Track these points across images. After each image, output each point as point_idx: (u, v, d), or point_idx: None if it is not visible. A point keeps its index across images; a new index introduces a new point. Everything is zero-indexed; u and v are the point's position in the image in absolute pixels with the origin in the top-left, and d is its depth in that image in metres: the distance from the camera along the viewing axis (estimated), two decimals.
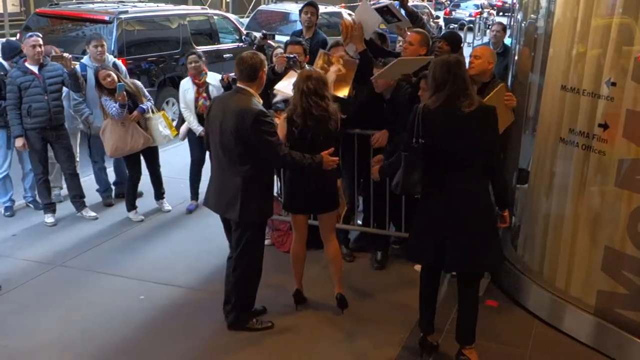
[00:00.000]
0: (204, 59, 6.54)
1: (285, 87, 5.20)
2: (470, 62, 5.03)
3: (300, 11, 6.97)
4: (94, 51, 6.53)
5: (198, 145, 6.51)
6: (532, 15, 5.17)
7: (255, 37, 7.42)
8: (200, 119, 6.33)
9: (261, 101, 4.19)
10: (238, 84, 4.17)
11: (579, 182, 4.36)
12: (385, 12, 5.53)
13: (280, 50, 6.21)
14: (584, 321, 4.36)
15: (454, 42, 5.75)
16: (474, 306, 4.05)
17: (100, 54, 6.52)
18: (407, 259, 4.94)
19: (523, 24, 5.39)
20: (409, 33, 5.49)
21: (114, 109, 6.04)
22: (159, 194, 6.79)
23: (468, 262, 3.87)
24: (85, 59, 6.67)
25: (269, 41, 6.98)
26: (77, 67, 6.30)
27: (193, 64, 6.40)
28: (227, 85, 5.81)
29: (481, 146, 3.79)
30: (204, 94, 6.40)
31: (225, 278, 4.53)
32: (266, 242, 5.81)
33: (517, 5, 5.76)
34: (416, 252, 4.12)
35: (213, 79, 6.48)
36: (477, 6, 32.30)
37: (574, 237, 4.46)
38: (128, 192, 6.58)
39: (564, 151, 4.45)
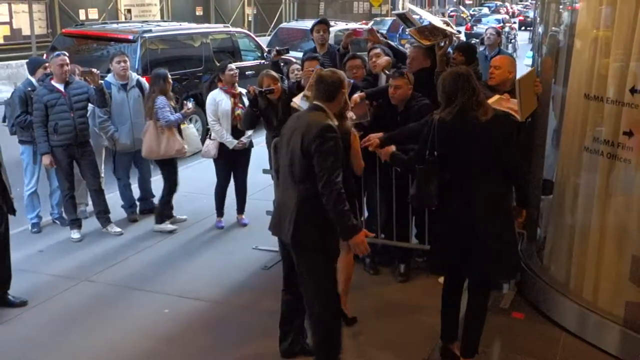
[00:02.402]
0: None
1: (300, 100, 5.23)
2: (490, 73, 5.06)
3: (312, 29, 7.02)
4: (117, 67, 6.65)
5: (224, 164, 6.55)
6: (553, 28, 5.16)
7: (287, 50, 7.47)
8: (234, 130, 6.40)
9: (336, 122, 3.79)
10: (314, 102, 3.85)
11: (605, 191, 4.31)
12: (403, 18, 5.89)
13: (297, 66, 6.28)
14: (612, 332, 4.30)
15: (468, 52, 5.76)
16: (478, 316, 4.03)
17: (123, 69, 6.64)
18: (429, 270, 4.91)
19: (544, 37, 5.39)
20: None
21: (169, 118, 6.28)
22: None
23: (483, 267, 3.89)
24: (109, 77, 6.78)
25: (282, 57, 7.03)
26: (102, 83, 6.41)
27: (232, 72, 6.46)
28: (253, 97, 5.83)
29: (498, 153, 3.81)
30: (240, 104, 6.45)
31: (282, 310, 4.26)
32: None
33: (538, 18, 5.76)
34: (437, 262, 4.14)
35: (242, 90, 6.58)
36: (498, 21, 32.22)
37: (600, 247, 4.40)
38: (166, 202, 6.66)
39: (589, 160, 4.41)
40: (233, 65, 6.60)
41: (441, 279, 4.62)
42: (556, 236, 4.88)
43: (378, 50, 5.82)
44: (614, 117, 4.17)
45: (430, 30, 5.41)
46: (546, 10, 5.31)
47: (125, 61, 6.70)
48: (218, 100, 6.41)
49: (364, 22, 23.05)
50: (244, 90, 6.57)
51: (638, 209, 4.10)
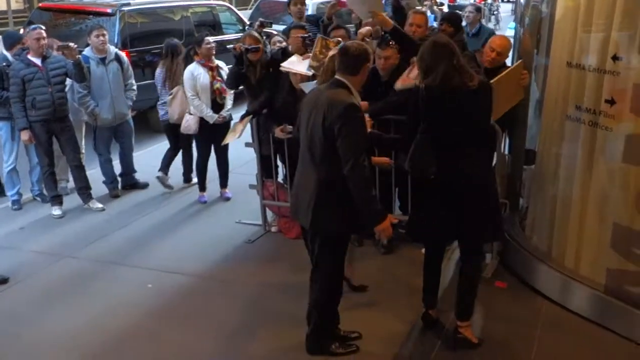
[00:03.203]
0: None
1: (294, 64, 5.17)
2: (486, 54, 4.99)
3: (289, 3, 6.93)
4: (95, 41, 6.54)
5: (207, 138, 6.49)
6: None
7: (270, 23, 7.41)
8: (214, 105, 6.33)
9: (359, 99, 3.65)
10: (337, 76, 3.65)
11: (586, 160, 4.32)
12: None
13: (278, 38, 6.24)
14: (593, 299, 4.33)
15: (456, 22, 5.74)
16: (471, 281, 4.07)
17: (102, 43, 6.54)
18: (411, 239, 4.88)
19: (527, 8, 5.35)
20: (411, 15, 5.53)
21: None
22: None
23: (475, 233, 3.92)
24: (87, 51, 6.66)
25: (265, 29, 6.95)
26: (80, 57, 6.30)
27: (209, 45, 6.36)
28: (239, 54, 5.79)
29: (485, 120, 3.83)
30: (219, 77, 6.38)
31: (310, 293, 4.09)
32: (273, 229, 5.87)
33: None
34: (418, 231, 4.14)
35: (220, 64, 6.51)
36: None
37: (582, 215, 4.42)
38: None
39: (571, 128, 4.41)
40: (210, 38, 6.50)
41: (424, 250, 4.64)
42: (538, 205, 4.90)
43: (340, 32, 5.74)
44: (595, 85, 4.16)
45: None
46: None
47: (104, 35, 6.59)
48: (196, 74, 6.32)
49: None
50: (222, 63, 6.50)
51: (619, 176, 4.11)
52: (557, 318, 4.42)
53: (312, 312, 3.96)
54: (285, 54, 5.65)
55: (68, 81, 6.31)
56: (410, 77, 4.72)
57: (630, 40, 3.94)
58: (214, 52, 6.45)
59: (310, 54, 5.18)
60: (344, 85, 3.57)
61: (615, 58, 3.99)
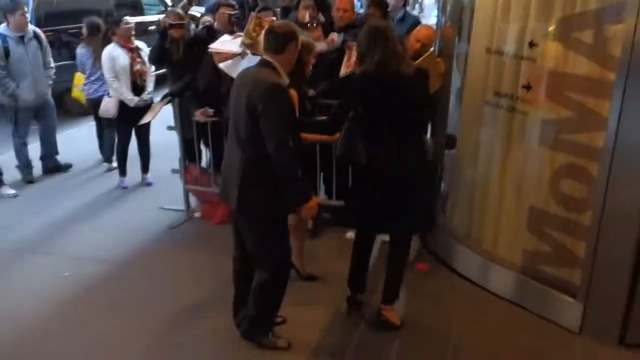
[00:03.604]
0: None
1: (225, 43, 5.08)
2: (411, 45, 5.02)
3: None
4: (20, 19, 6.24)
5: (125, 122, 6.30)
6: None
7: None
8: (134, 87, 6.14)
9: (287, 80, 3.55)
10: (264, 56, 3.57)
11: (504, 144, 4.44)
12: None
13: (208, 18, 6.13)
14: (509, 279, 4.47)
15: (383, 7, 5.79)
16: (399, 266, 4.13)
17: (26, 23, 6.29)
18: (345, 225, 4.89)
19: None
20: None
21: None
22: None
23: (410, 221, 3.95)
24: (2, 29, 6.32)
25: (190, 11, 6.83)
26: None
27: (128, 26, 6.16)
28: (162, 30, 5.66)
29: (419, 107, 3.85)
30: (139, 59, 6.20)
31: (234, 280, 4.00)
32: (196, 215, 5.78)
33: None
34: (353, 218, 4.15)
35: (140, 44, 6.33)
36: None
37: (500, 198, 4.55)
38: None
39: (490, 113, 4.51)
40: (129, 18, 6.31)
41: (350, 234, 4.69)
42: (458, 189, 5.01)
43: (309, 2, 5.71)
44: (513, 71, 4.27)
45: None
46: None
47: (27, 12, 6.30)
48: (115, 55, 6.12)
49: None
50: (142, 44, 6.33)
51: (535, 160, 4.24)
52: (477, 298, 4.54)
53: (249, 302, 3.83)
54: (211, 32, 5.61)
55: None
56: (351, 63, 4.73)
57: (546, 27, 4.06)
58: (134, 33, 6.25)
59: (238, 33, 5.12)
60: (269, 65, 3.51)
61: (531, 44, 4.10)
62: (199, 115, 5.24)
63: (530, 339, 4.08)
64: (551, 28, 4.03)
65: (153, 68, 6.36)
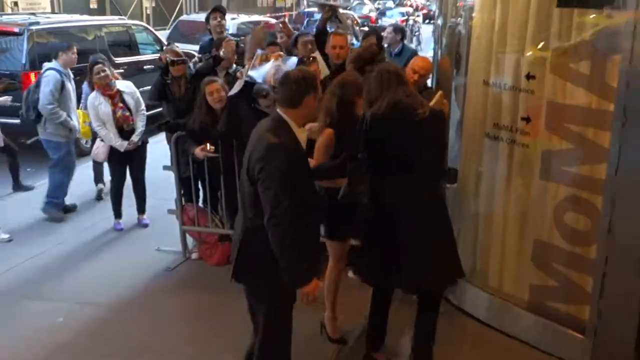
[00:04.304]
0: (111, 68, 6.41)
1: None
2: (408, 76, 5.09)
3: (207, 18, 6.94)
4: (72, 57, 6.76)
5: (118, 164, 6.35)
6: (452, 19, 5.30)
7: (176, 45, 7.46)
8: (121, 131, 6.19)
9: (302, 137, 3.28)
10: (277, 109, 3.31)
11: (506, 177, 4.47)
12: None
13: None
14: (518, 317, 4.46)
15: (379, 37, 5.96)
16: (429, 336, 3.93)
17: (74, 61, 6.84)
18: (360, 279, 4.19)
19: (444, 29, 5.53)
20: (332, 37, 5.65)
21: None
22: None
23: (422, 277, 3.74)
24: (55, 64, 6.67)
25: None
26: None
27: (101, 74, 6.10)
28: (164, 67, 5.76)
29: (434, 150, 3.77)
30: (120, 104, 6.20)
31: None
32: (194, 256, 5.79)
33: (438, 11, 5.92)
34: (368, 270, 3.95)
35: (125, 86, 6.34)
36: (402, 14, 32.95)
37: (504, 232, 4.56)
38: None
39: (490, 146, 4.55)
40: (102, 65, 6.22)
41: (350, 274, 4.64)
42: (461, 224, 5.02)
43: (309, 38, 5.84)
44: (512, 103, 4.33)
45: None
46: (445, 2, 5.45)
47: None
48: (97, 103, 6.13)
49: (268, 14, 23.03)
50: (127, 85, 6.35)
51: (537, 193, 4.27)
52: (485, 337, 4.52)
53: None
54: (216, 61, 5.80)
55: None
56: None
57: (543, 59, 4.13)
58: (110, 80, 6.19)
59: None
60: (281, 120, 3.23)
61: (529, 76, 4.17)
62: (198, 152, 5.28)
63: None
64: (548, 59, 4.10)
65: (143, 107, 6.39)
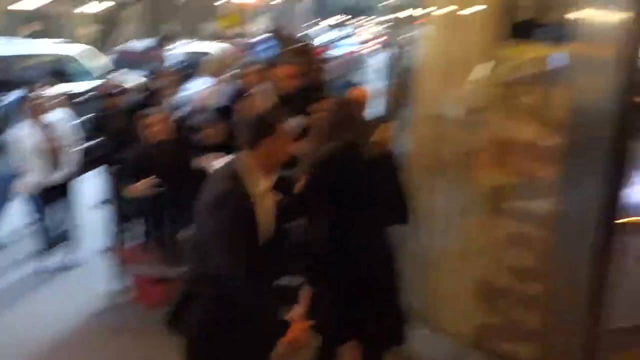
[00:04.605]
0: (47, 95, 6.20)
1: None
2: None
3: (156, 47, 6.92)
4: None
5: (47, 199, 6.07)
6: (400, 49, 5.35)
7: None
8: (52, 164, 5.98)
9: (262, 185, 2.98)
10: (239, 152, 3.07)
11: (452, 213, 4.48)
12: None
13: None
14: (466, 356, 4.44)
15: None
16: None
17: None
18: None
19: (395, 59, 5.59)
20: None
21: None
22: None
23: (372, 332, 3.58)
24: None
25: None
26: None
27: (38, 102, 5.88)
28: (103, 96, 5.66)
29: (387, 194, 3.58)
30: (51, 135, 5.94)
31: None
32: (130, 296, 5.61)
33: (387, 42, 5.99)
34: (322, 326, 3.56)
35: (58, 116, 6.15)
36: (352, 45, 33.36)
37: (450, 270, 4.55)
38: None
39: (437, 182, 4.56)
40: (40, 92, 6.03)
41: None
42: (408, 264, 4.98)
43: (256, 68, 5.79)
44: (459, 137, 4.35)
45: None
46: (394, 32, 5.51)
47: None
48: (25, 135, 5.83)
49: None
50: (58, 116, 6.15)
51: (484, 228, 4.28)
52: None
53: None
54: (154, 95, 5.73)
55: None
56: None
57: (489, 92, 4.16)
58: (45, 109, 5.95)
59: None
60: (238, 161, 2.98)
61: (476, 110, 4.20)
62: (140, 187, 5.13)
63: None
64: (494, 93, 4.14)
65: (77, 138, 6.18)
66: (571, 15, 3.56)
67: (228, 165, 3.03)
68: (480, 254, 4.31)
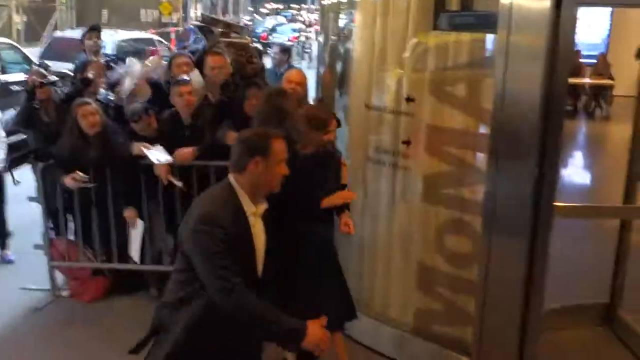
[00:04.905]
0: None
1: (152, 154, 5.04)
2: (292, 89, 5.13)
3: (83, 37, 6.76)
4: None
5: None
6: (332, 37, 5.39)
7: (48, 66, 7.15)
8: None
9: (252, 207, 2.83)
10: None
11: (389, 201, 4.56)
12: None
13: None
14: (405, 342, 4.54)
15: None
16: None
17: None
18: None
19: (326, 47, 5.62)
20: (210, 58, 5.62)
21: None
22: None
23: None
24: None
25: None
26: None
27: None
28: (31, 88, 5.50)
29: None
30: None
31: None
32: (64, 293, 5.53)
33: (319, 28, 6.02)
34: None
35: None
36: (294, 30, 33.39)
37: (388, 258, 4.64)
38: None
39: (373, 170, 4.64)
40: None
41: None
42: (347, 250, 5.06)
43: (183, 60, 5.70)
44: (393, 126, 4.43)
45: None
46: (325, 20, 5.55)
47: None
48: None
49: (152, 30, 22.63)
50: None
51: (420, 217, 4.38)
52: None
53: None
54: (87, 83, 5.65)
55: None
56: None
57: (421, 81, 4.26)
58: None
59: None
60: (225, 185, 2.83)
61: (408, 99, 4.29)
62: (69, 180, 5.07)
63: None
64: (426, 82, 4.23)
65: (3, 134, 6.05)
66: (499, 3, 3.64)
67: (221, 185, 2.89)
68: (419, 240, 4.41)
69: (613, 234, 4.95)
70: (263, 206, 2.91)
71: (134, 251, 5.31)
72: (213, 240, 2.65)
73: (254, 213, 2.84)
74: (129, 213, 5.18)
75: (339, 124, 4.07)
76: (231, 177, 2.82)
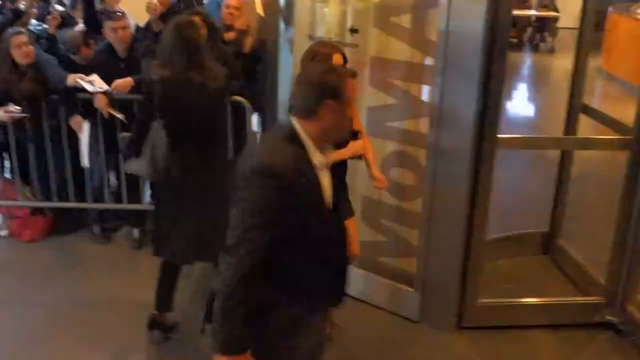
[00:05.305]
0: None
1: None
2: (225, 15, 5.09)
3: None
4: None
5: None
6: None
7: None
8: None
9: (320, 158, 2.36)
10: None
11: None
12: None
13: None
14: (349, 274, 4.64)
15: None
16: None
17: None
18: (154, 254, 4.07)
19: None
20: None
21: None
22: None
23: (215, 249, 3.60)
24: None
25: None
26: None
27: None
28: None
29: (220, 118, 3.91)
30: None
31: None
32: (3, 233, 5.47)
33: None
34: (161, 245, 3.95)
35: None
36: None
37: None
38: None
39: None
40: None
41: None
42: None
43: None
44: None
45: None
46: None
47: None
48: None
49: None
50: None
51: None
52: None
53: None
54: (17, 14, 5.59)
55: None
56: None
57: (365, 12, 4.24)
58: None
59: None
60: (291, 134, 2.35)
61: (352, 30, 4.28)
62: (1, 114, 4.94)
63: (375, 333, 4.29)
64: (370, 13, 4.22)
65: None
66: None
67: (282, 132, 2.43)
68: (364, 173, 4.47)
69: (555, 165, 5.11)
70: (332, 155, 2.55)
71: (85, 157, 5.39)
72: (260, 197, 2.25)
73: (323, 164, 2.43)
74: (74, 121, 5.09)
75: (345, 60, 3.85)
76: (295, 122, 2.36)
